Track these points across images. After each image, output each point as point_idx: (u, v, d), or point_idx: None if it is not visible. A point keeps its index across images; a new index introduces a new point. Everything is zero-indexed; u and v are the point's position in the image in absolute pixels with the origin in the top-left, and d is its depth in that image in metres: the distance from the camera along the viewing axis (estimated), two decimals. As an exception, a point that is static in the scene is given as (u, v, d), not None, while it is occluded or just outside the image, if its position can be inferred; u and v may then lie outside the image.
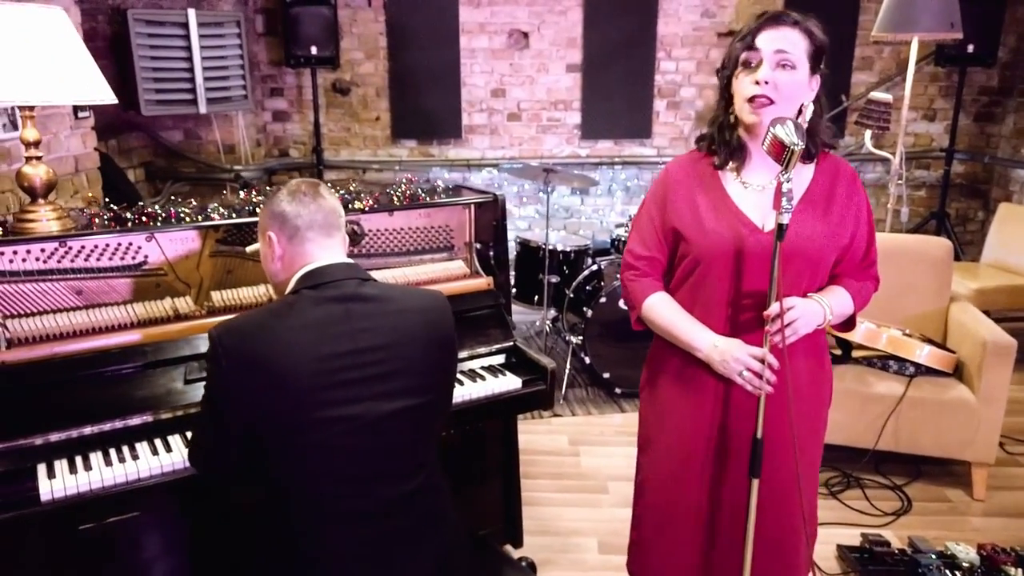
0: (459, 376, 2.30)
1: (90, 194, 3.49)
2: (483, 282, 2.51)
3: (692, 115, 5.80)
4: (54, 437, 1.82)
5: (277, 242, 1.58)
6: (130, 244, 2.07)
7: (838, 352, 3.36)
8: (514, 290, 4.37)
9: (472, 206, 2.56)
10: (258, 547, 1.56)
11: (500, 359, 2.44)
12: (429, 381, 1.57)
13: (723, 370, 1.68)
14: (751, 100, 1.64)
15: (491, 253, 2.54)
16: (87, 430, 1.84)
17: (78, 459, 1.81)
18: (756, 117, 1.65)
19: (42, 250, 1.95)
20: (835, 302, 1.74)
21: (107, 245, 2.03)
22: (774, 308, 1.59)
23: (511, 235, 4.45)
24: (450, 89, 5.69)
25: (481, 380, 2.29)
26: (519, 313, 4.69)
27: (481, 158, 5.84)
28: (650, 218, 1.81)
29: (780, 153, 1.52)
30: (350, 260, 1.60)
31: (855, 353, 3.30)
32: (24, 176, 1.89)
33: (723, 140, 1.73)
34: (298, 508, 1.50)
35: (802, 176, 1.76)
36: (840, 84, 5.53)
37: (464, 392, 2.21)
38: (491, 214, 2.52)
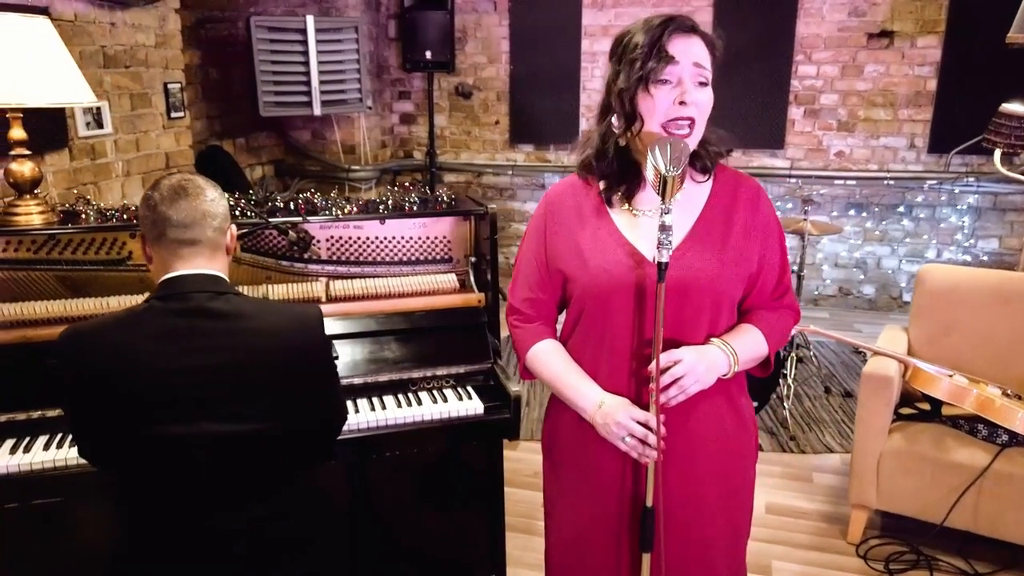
0: (420, 395, 2.21)
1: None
2: (472, 298, 2.39)
3: (834, 124, 5.25)
4: (20, 416, 1.96)
5: (145, 246, 1.55)
6: (115, 239, 2.18)
7: (925, 407, 2.87)
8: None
9: (473, 218, 2.44)
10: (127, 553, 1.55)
11: (480, 380, 2.31)
12: (278, 405, 1.48)
13: (606, 434, 1.45)
14: (672, 122, 1.39)
15: (487, 268, 2.42)
16: (45, 413, 1.96)
17: (27, 440, 1.93)
18: None
19: (33, 241, 2.11)
20: (743, 346, 1.46)
21: (93, 239, 2.15)
22: (656, 364, 1.35)
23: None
24: (569, 93, 5.56)
25: (443, 401, 2.18)
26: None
27: (597, 165, 5.65)
28: (533, 254, 1.57)
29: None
30: (212, 271, 1.52)
31: (945, 411, 2.79)
32: (11, 172, 2.04)
33: (614, 167, 1.48)
34: (144, 523, 1.49)
35: (697, 196, 1.50)
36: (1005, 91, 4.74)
37: (413, 413, 2.11)
38: (485, 229, 2.39)
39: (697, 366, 1.38)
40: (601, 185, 1.51)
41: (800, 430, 3.66)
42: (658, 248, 1.30)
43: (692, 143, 1.40)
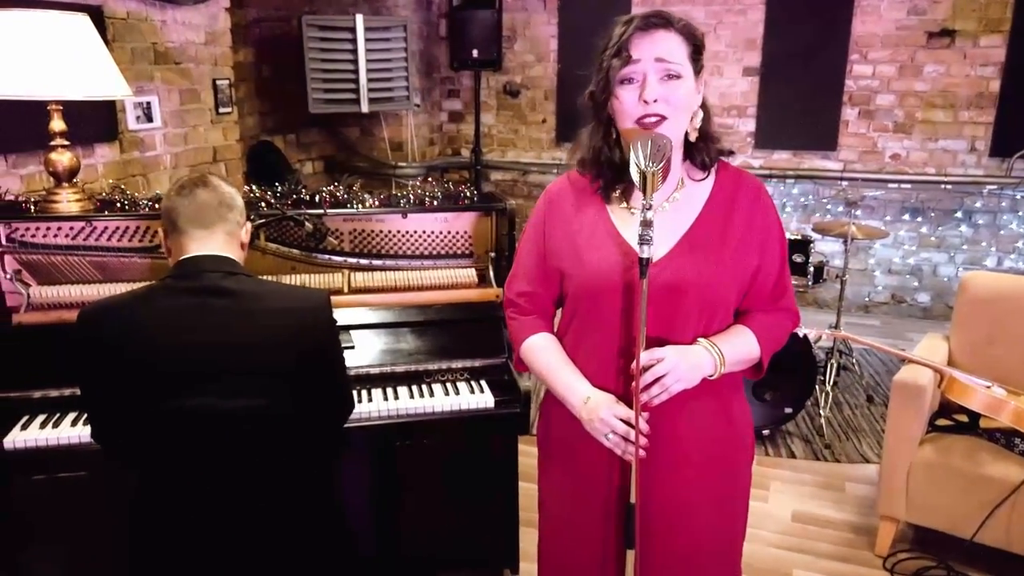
0: (434, 387, 2.24)
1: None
2: (491, 292, 2.41)
3: (890, 126, 5.09)
4: (53, 393, 2.07)
5: (165, 239, 1.63)
6: (147, 227, 2.27)
7: (963, 419, 2.76)
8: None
9: (495, 214, 2.46)
10: (130, 529, 1.61)
11: (494, 374, 2.33)
12: (280, 385, 1.53)
13: (591, 430, 1.44)
14: (640, 121, 1.39)
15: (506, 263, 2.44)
16: (76, 391, 2.06)
17: (56, 415, 2.03)
18: None
19: (71, 228, 2.22)
20: (731, 347, 1.44)
21: (127, 227, 2.25)
22: (641, 360, 1.35)
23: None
24: (616, 92, 5.53)
25: (455, 394, 2.21)
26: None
27: (643, 165, 5.60)
28: (533, 247, 1.58)
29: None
30: (225, 253, 1.59)
31: (983, 423, 2.69)
32: (51, 162, 2.15)
33: (606, 166, 1.48)
34: (149, 496, 1.55)
35: (697, 196, 1.48)
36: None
37: (425, 404, 2.15)
38: (505, 224, 2.41)
39: (680, 365, 1.36)
40: (599, 183, 1.50)
41: (837, 438, 3.56)
42: (640, 245, 1.30)
43: (672, 134, 1.38)
